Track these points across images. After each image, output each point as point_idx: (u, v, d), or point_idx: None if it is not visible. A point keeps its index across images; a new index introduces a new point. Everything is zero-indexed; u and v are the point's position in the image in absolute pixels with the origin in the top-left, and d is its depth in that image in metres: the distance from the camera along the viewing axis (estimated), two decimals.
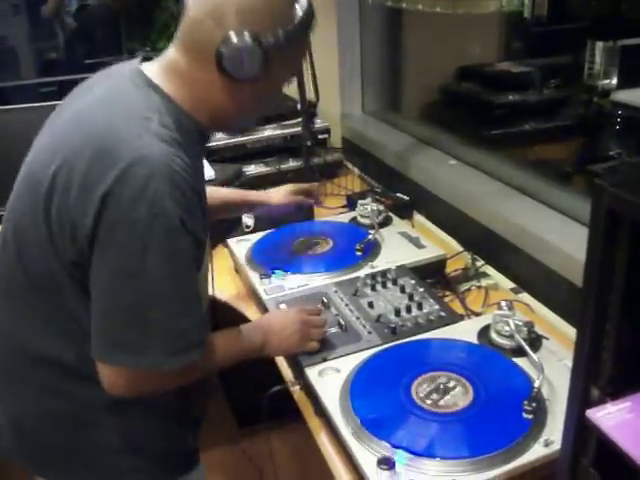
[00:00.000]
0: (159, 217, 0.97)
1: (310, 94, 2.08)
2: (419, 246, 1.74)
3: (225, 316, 1.66)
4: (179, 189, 0.99)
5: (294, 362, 1.33)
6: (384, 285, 1.55)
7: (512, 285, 1.69)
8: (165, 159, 0.99)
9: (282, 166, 2.38)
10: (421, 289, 1.52)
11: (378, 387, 1.22)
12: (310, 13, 1.11)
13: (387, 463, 1.00)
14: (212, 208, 1.51)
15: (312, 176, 2.22)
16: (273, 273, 1.63)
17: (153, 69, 1.11)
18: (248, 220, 1.94)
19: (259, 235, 1.87)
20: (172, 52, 1.12)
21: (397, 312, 1.44)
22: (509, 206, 1.79)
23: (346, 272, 1.64)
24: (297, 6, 1.09)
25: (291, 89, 1.49)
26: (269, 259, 1.72)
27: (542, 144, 2.43)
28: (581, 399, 0.75)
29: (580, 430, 0.76)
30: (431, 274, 1.66)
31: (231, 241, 1.85)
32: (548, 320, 1.52)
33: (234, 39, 1.03)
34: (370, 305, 1.48)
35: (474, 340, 1.35)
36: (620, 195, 0.64)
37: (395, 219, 1.93)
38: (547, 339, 1.33)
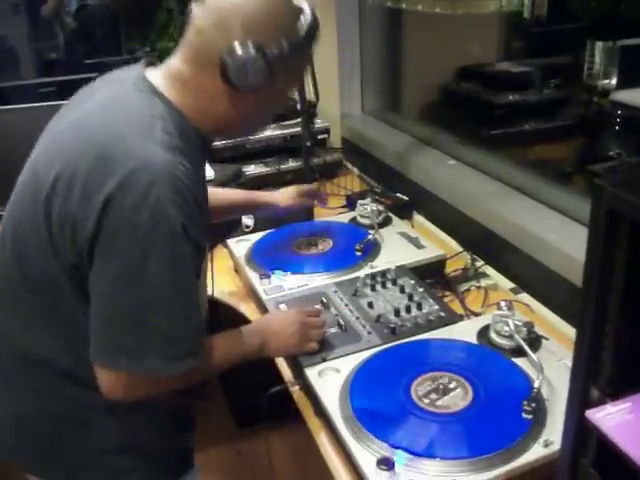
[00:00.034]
0: (161, 223, 0.98)
1: (310, 94, 2.09)
2: (419, 246, 1.74)
3: (225, 316, 1.66)
4: (181, 195, 1.00)
5: (294, 362, 1.33)
6: (384, 285, 1.55)
7: (512, 285, 1.69)
8: (167, 166, 0.99)
9: (282, 166, 2.38)
10: (421, 289, 1.52)
11: (378, 387, 1.22)
12: (314, 26, 1.12)
13: (386, 463, 1.00)
14: (219, 209, 1.52)
15: (311, 176, 2.22)
16: (273, 273, 1.63)
17: (157, 76, 1.12)
18: (248, 220, 1.94)
19: (259, 235, 1.87)
20: (176, 60, 1.12)
21: (397, 312, 1.44)
22: (509, 206, 1.79)
23: (346, 272, 1.64)
24: (302, 18, 1.10)
25: None
26: (269, 259, 1.72)
27: (542, 144, 2.43)
28: (581, 399, 0.75)
29: (580, 431, 0.76)
30: (431, 274, 1.66)
31: (231, 241, 1.84)
32: (548, 320, 1.52)
33: (239, 50, 1.05)
34: (370, 305, 1.48)
35: (474, 340, 1.35)
36: (620, 195, 0.64)
37: (395, 219, 1.93)
38: (547, 339, 1.33)
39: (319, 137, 2.49)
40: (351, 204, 2.10)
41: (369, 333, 1.38)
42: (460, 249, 1.85)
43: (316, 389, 1.23)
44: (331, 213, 2.13)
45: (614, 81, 2.30)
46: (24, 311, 1.13)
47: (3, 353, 1.19)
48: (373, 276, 1.58)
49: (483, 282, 1.68)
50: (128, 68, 1.17)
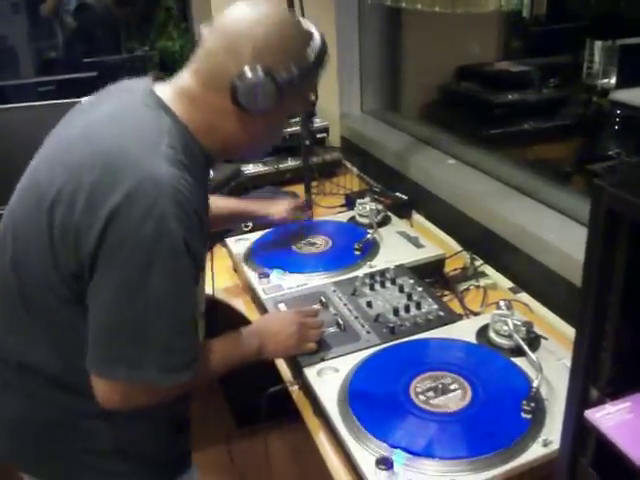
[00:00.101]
0: (164, 237, 0.98)
1: None
2: (418, 245, 1.74)
3: (224, 315, 1.66)
4: (183, 209, 1.00)
5: (293, 362, 1.33)
6: (383, 285, 1.55)
7: (511, 285, 1.69)
8: (171, 179, 1.00)
9: (281, 165, 2.38)
10: (420, 289, 1.52)
11: (377, 387, 1.22)
12: (323, 51, 1.14)
13: (385, 463, 1.00)
14: (219, 218, 1.53)
15: (310, 175, 2.22)
16: (272, 272, 1.63)
17: (166, 91, 1.12)
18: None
19: (258, 234, 1.87)
20: (186, 77, 1.12)
21: (396, 312, 1.44)
22: (508, 206, 1.79)
23: (345, 271, 1.64)
24: (311, 44, 1.12)
25: None
26: (268, 258, 1.72)
27: (541, 143, 2.43)
28: (580, 399, 0.75)
29: (579, 430, 0.76)
30: (430, 274, 1.66)
31: (230, 240, 1.84)
32: (547, 320, 1.52)
33: (249, 74, 1.06)
34: (369, 305, 1.48)
35: (473, 340, 1.35)
36: (620, 195, 0.64)
37: (394, 218, 1.93)
38: (546, 339, 1.33)
39: (318, 136, 2.49)
40: (350, 203, 2.10)
41: (368, 332, 1.38)
42: (459, 248, 1.85)
43: (315, 389, 1.23)
44: (330, 212, 2.13)
45: (613, 80, 2.30)
46: (15, 317, 1.13)
47: None
48: (372, 275, 1.58)
49: (482, 281, 1.68)
50: (136, 79, 1.18)
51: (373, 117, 2.75)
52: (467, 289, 1.66)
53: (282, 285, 1.59)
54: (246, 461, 1.87)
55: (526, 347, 1.26)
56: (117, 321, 1.01)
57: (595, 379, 0.74)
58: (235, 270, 1.81)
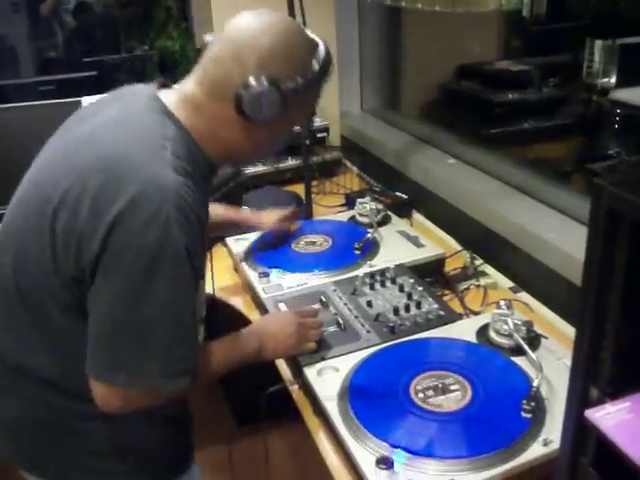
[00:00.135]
0: (167, 244, 0.98)
1: None
2: (418, 245, 1.74)
3: (224, 314, 1.65)
4: (184, 214, 1.00)
5: (293, 361, 1.33)
6: (383, 284, 1.55)
7: (511, 284, 1.69)
8: (175, 185, 1.00)
9: (280, 165, 2.38)
10: (420, 288, 1.52)
11: (377, 386, 1.22)
12: (328, 61, 1.14)
13: (386, 463, 1.00)
14: (214, 225, 1.53)
15: (310, 174, 2.21)
16: (271, 272, 1.63)
17: (170, 98, 1.12)
18: None
19: (258, 234, 1.87)
20: (191, 85, 1.12)
21: (396, 311, 1.44)
22: (508, 205, 1.79)
23: (345, 271, 1.64)
24: (316, 54, 1.12)
25: None
26: (268, 258, 1.72)
27: (541, 143, 2.43)
28: (580, 399, 0.75)
29: (579, 430, 0.76)
30: (430, 273, 1.66)
31: (230, 240, 1.84)
32: (547, 319, 1.52)
33: (254, 84, 1.06)
34: (369, 304, 1.47)
35: (473, 339, 1.35)
36: (620, 194, 0.64)
37: (394, 218, 1.93)
38: (546, 338, 1.33)
39: (318, 135, 2.49)
40: (350, 203, 2.10)
41: (368, 332, 1.38)
42: (459, 248, 1.84)
43: (315, 388, 1.23)
44: (330, 212, 2.13)
45: (613, 80, 2.30)
46: (13, 321, 1.13)
47: None
48: (372, 275, 1.58)
49: (482, 281, 1.68)
50: (140, 85, 1.18)
51: (373, 116, 2.75)
52: (467, 288, 1.66)
53: (282, 284, 1.59)
54: (246, 460, 1.87)
55: (526, 346, 1.26)
56: (118, 326, 1.01)
57: (595, 378, 0.74)
58: (235, 269, 1.81)
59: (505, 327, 1.30)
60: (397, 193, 2.15)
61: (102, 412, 1.05)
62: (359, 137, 2.61)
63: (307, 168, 2.11)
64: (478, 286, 1.67)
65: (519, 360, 1.26)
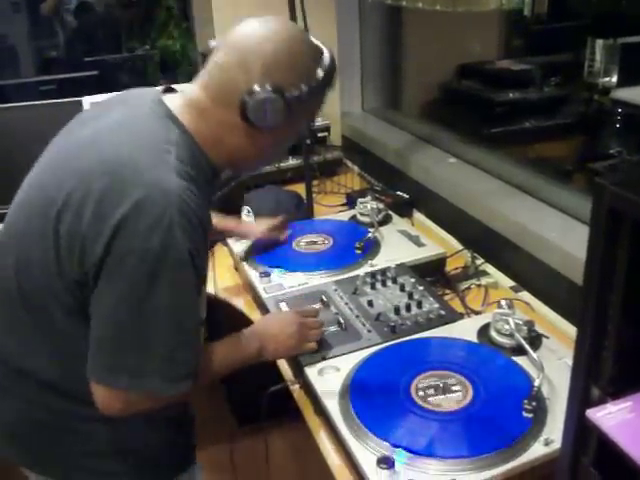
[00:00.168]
0: (170, 249, 0.98)
1: None
2: (419, 244, 1.74)
3: (225, 314, 1.66)
4: (187, 218, 1.00)
5: (294, 361, 1.33)
6: (384, 283, 1.55)
7: (512, 283, 1.69)
8: (178, 190, 1.00)
9: (281, 164, 2.38)
10: (421, 287, 1.52)
11: (378, 386, 1.22)
12: (332, 69, 1.14)
13: (387, 462, 1.00)
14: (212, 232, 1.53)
15: (311, 174, 2.21)
16: (272, 271, 1.63)
17: (175, 102, 1.12)
18: (247, 218, 1.94)
19: None
20: (196, 91, 1.12)
21: (397, 310, 1.43)
22: (509, 204, 1.78)
23: (346, 270, 1.64)
24: (320, 61, 1.12)
25: None
26: (268, 257, 1.72)
27: (542, 142, 2.43)
28: (581, 399, 0.75)
29: (580, 430, 0.76)
30: (431, 272, 1.66)
31: (231, 239, 1.84)
32: (548, 319, 1.52)
33: (259, 92, 1.06)
34: (370, 304, 1.47)
35: (474, 339, 1.35)
36: (621, 194, 0.64)
37: (395, 217, 1.92)
38: (547, 338, 1.33)
39: (319, 135, 2.49)
40: (351, 202, 2.10)
41: (369, 331, 1.38)
42: (460, 247, 1.84)
43: (316, 388, 1.23)
44: (331, 211, 2.13)
45: (615, 79, 2.30)
46: (14, 323, 1.13)
47: None
48: (373, 274, 1.58)
49: (483, 280, 1.68)
50: (145, 89, 1.18)
51: (374, 116, 2.74)
52: (468, 288, 1.66)
53: (283, 284, 1.59)
54: (247, 460, 1.87)
55: (527, 346, 1.25)
56: (120, 330, 1.01)
57: (597, 378, 0.74)
58: (236, 269, 1.81)
59: (506, 327, 1.30)
60: (398, 192, 2.15)
61: (102, 415, 1.06)
62: (360, 136, 2.61)
63: (308, 167, 2.11)
64: (479, 285, 1.67)
65: (520, 360, 1.26)
